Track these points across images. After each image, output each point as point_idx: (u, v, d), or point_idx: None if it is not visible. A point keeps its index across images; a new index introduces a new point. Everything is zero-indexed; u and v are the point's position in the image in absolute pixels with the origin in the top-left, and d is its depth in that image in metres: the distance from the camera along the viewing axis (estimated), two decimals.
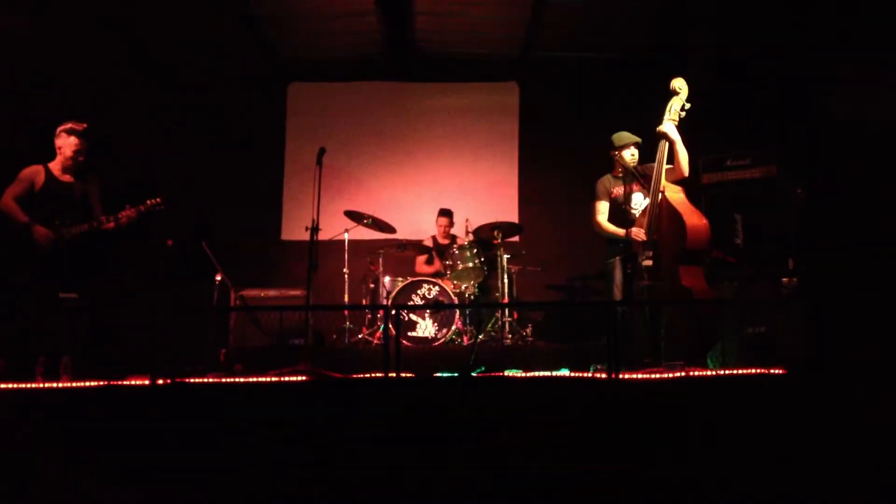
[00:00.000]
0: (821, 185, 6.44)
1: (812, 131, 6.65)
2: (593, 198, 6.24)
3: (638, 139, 6.08)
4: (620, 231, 5.86)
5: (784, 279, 6.32)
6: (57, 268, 5.74)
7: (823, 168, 6.47)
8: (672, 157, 5.72)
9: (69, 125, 5.94)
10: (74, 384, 4.80)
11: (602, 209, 6.16)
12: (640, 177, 5.90)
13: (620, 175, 6.01)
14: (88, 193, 5.99)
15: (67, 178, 5.95)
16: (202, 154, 9.12)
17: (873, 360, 4.91)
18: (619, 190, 6.04)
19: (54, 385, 4.92)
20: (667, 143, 5.68)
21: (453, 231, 8.76)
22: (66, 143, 5.92)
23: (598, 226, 6.17)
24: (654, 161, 5.73)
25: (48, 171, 5.91)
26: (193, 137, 9.16)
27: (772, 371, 4.98)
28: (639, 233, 5.73)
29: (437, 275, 8.09)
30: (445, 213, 8.76)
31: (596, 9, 8.32)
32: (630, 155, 6.05)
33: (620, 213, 5.97)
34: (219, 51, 9.06)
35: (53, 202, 5.85)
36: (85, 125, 5.97)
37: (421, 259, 8.72)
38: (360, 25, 8.71)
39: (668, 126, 5.68)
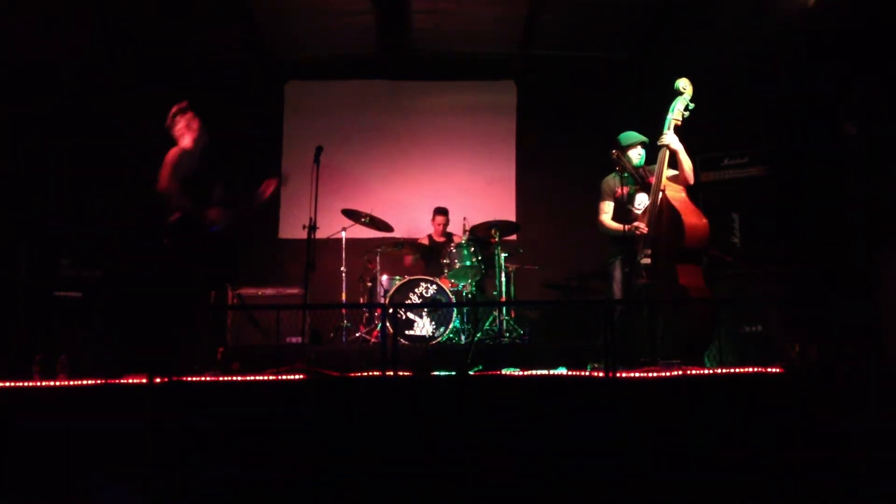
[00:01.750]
0: (817, 184, 6.45)
1: (810, 130, 6.65)
2: (598, 197, 6.24)
3: (645, 139, 6.08)
4: (621, 226, 5.87)
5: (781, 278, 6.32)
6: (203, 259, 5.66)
7: (820, 167, 6.47)
8: (675, 163, 5.74)
9: (176, 107, 5.89)
10: (72, 382, 4.79)
11: (606, 209, 6.17)
12: (642, 179, 5.94)
13: (625, 175, 6.00)
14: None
15: (199, 164, 5.86)
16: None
17: (868, 359, 4.93)
18: (622, 189, 6.05)
19: (51, 383, 4.91)
20: (667, 151, 5.70)
21: (450, 229, 8.76)
22: (188, 119, 5.89)
23: (602, 224, 6.17)
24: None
25: (190, 156, 5.82)
26: None
27: (769, 370, 4.99)
28: (639, 225, 5.75)
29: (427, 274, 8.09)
30: (442, 212, 8.76)
31: (594, 7, 8.32)
32: (637, 154, 6.06)
33: (624, 212, 5.98)
34: (216, 48, 9.06)
35: (196, 190, 5.77)
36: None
37: (408, 259, 8.72)
38: (357, 24, 8.72)
39: (670, 137, 5.69)
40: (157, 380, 4.52)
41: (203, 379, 4.95)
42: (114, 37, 8.30)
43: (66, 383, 4.82)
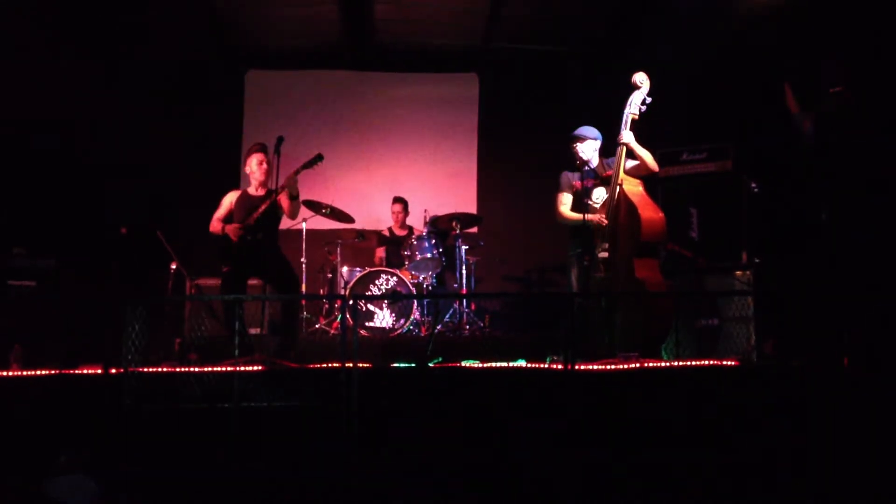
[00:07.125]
0: (775, 179, 6.53)
1: (767, 126, 6.73)
2: (557, 189, 6.27)
3: (599, 134, 6.13)
4: (580, 216, 5.90)
5: (737, 272, 6.40)
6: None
7: (778, 163, 6.56)
8: (634, 156, 5.79)
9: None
10: (25, 373, 4.72)
11: (565, 200, 6.19)
12: (599, 173, 5.98)
13: (583, 168, 6.04)
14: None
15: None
16: (158, 141, 8.99)
17: (824, 352, 5.01)
18: (581, 182, 6.08)
19: (5, 373, 4.83)
20: (625, 149, 5.74)
21: (411, 222, 8.74)
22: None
23: (561, 216, 6.19)
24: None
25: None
26: (150, 124, 9.01)
27: (724, 363, 5.06)
28: (593, 216, 5.81)
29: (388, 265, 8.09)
30: (399, 200, 8.72)
31: (556, 1, 8.35)
32: (593, 150, 6.10)
33: (581, 205, 6.02)
34: (176, 37, 8.93)
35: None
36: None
37: (379, 251, 8.71)
38: (319, 13, 8.65)
39: (627, 136, 5.74)
40: (112, 370, 4.47)
41: (160, 370, 4.90)
42: (70, 23, 8.15)
43: (20, 373, 4.75)
